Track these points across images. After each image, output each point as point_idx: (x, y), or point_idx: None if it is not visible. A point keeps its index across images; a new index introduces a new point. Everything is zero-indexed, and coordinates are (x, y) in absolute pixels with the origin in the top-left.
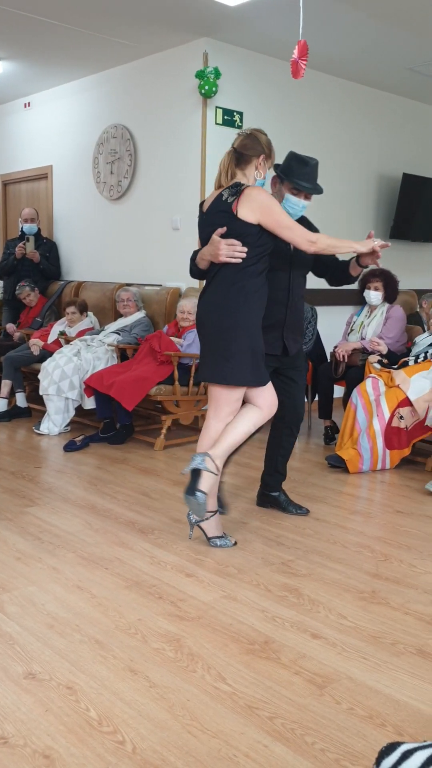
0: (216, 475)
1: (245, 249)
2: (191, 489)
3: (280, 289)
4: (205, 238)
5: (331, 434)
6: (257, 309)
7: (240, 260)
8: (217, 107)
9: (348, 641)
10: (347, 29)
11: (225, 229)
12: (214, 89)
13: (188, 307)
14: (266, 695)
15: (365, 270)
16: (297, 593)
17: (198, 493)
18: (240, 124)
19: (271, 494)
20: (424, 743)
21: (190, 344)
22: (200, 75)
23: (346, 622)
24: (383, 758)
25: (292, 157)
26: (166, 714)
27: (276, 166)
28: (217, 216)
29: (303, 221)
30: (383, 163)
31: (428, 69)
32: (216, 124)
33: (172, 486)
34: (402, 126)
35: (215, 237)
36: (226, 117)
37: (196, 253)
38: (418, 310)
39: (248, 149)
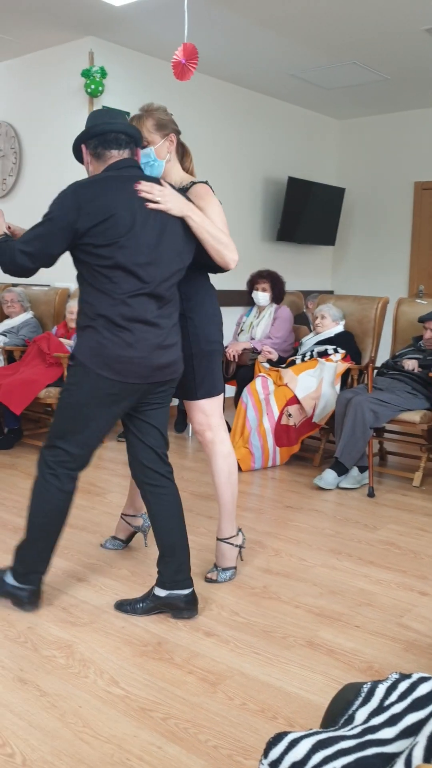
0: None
1: None
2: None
3: None
4: None
5: None
6: None
7: None
8: (103, 107)
9: (240, 637)
10: (232, 33)
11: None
12: (100, 88)
13: (77, 307)
14: (159, 696)
15: (253, 272)
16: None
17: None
18: None
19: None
20: (310, 731)
21: None
22: (86, 74)
23: (239, 618)
24: (271, 749)
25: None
26: (58, 722)
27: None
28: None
29: None
30: (269, 167)
31: (309, 76)
32: None
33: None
34: (287, 131)
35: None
36: None
37: None
38: (304, 310)
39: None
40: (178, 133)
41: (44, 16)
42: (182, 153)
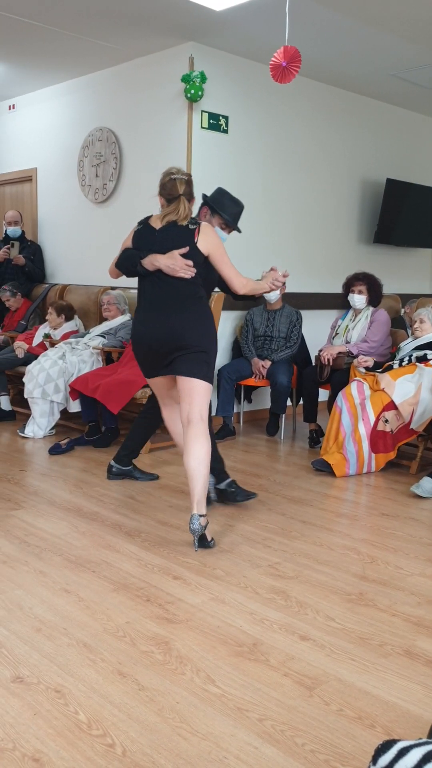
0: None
1: (194, 270)
2: (203, 543)
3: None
4: (156, 249)
5: (316, 438)
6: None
7: (190, 276)
8: (202, 111)
9: (336, 643)
10: (332, 34)
11: (188, 248)
12: (200, 93)
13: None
14: (255, 697)
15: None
16: (285, 595)
17: (210, 542)
18: (225, 128)
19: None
20: (420, 741)
21: None
22: (186, 79)
23: (334, 624)
24: (380, 755)
25: (224, 194)
26: (156, 717)
27: (204, 197)
28: (177, 238)
29: None
30: (367, 169)
31: (411, 75)
32: (201, 128)
33: (157, 489)
34: (386, 132)
35: (176, 253)
36: (211, 121)
37: (129, 252)
38: (402, 314)
39: (191, 194)
40: (163, 192)
41: (146, 23)
42: (170, 202)
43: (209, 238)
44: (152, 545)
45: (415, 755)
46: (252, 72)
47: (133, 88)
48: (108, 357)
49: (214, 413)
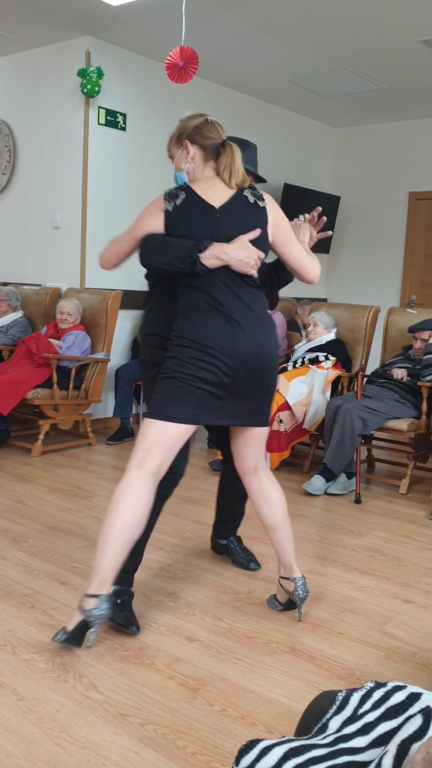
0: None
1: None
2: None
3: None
4: (221, 237)
5: (215, 438)
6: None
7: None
8: (100, 107)
9: (223, 642)
10: (230, 37)
11: (259, 232)
12: (96, 89)
13: (68, 308)
14: (139, 701)
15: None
16: (174, 597)
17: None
18: (123, 125)
19: (221, 542)
20: (283, 738)
21: (69, 346)
22: (82, 73)
23: (222, 624)
24: (243, 756)
25: (232, 139)
26: (34, 727)
27: None
28: (247, 217)
29: None
30: (265, 173)
31: (308, 83)
32: (99, 124)
33: (48, 492)
34: (284, 137)
35: (246, 241)
36: (109, 118)
37: (169, 240)
38: (294, 317)
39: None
40: (198, 138)
41: (41, 13)
42: (217, 155)
43: (279, 215)
44: (40, 551)
45: (276, 754)
46: (150, 70)
47: (28, 80)
48: None
49: (111, 414)
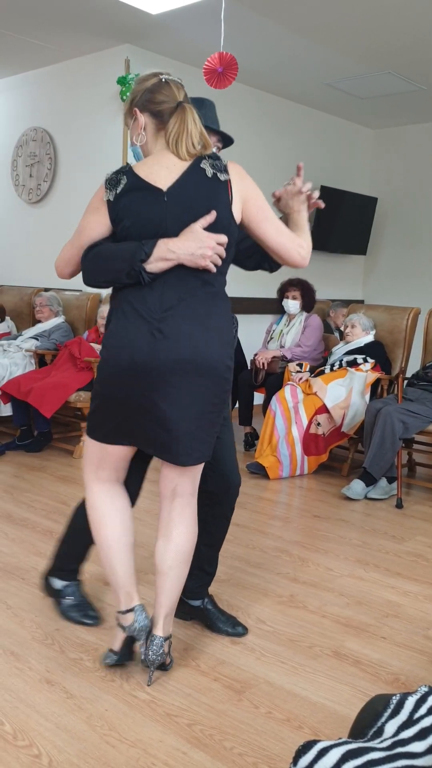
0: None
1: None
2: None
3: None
4: (172, 226)
5: (251, 441)
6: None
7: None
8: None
9: (266, 646)
10: (268, 42)
11: (215, 215)
12: None
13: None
14: (185, 702)
15: (284, 280)
16: (216, 599)
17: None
18: None
19: (192, 603)
20: (339, 740)
21: None
22: (122, 81)
23: (265, 627)
24: (300, 757)
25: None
26: (84, 725)
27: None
28: (203, 196)
29: None
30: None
31: (345, 85)
32: None
33: None
34: (320, 140)
35: (197, 229)
36: None
37: (108, 250)
38: (327, 318)
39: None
40: (148, 104)
41: (82, 24)
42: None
43: (248, 186)
44: None
45: (334, 755)
46: (188, 76)
47: (69, 89)
48: (41, 360)
49: None
